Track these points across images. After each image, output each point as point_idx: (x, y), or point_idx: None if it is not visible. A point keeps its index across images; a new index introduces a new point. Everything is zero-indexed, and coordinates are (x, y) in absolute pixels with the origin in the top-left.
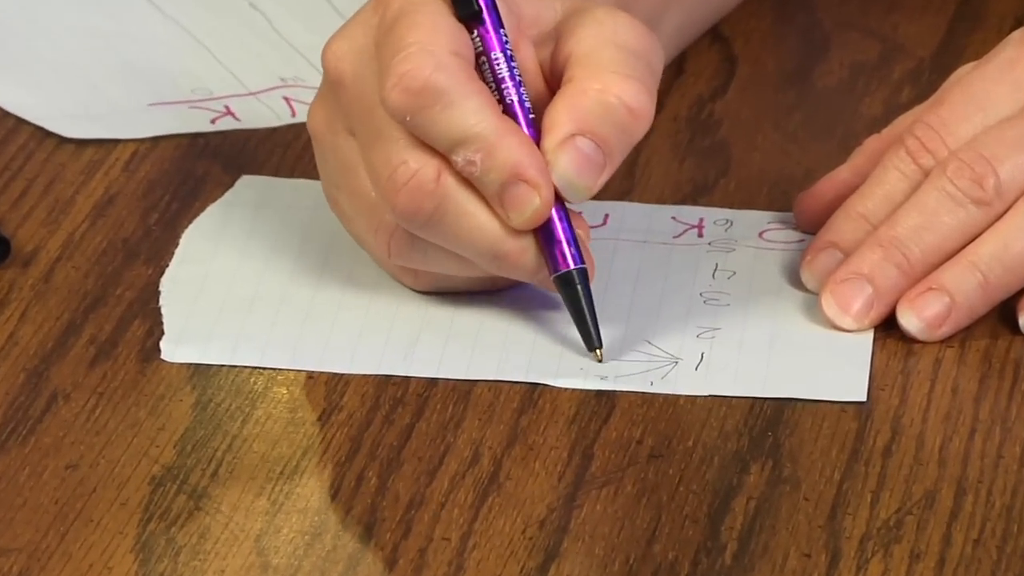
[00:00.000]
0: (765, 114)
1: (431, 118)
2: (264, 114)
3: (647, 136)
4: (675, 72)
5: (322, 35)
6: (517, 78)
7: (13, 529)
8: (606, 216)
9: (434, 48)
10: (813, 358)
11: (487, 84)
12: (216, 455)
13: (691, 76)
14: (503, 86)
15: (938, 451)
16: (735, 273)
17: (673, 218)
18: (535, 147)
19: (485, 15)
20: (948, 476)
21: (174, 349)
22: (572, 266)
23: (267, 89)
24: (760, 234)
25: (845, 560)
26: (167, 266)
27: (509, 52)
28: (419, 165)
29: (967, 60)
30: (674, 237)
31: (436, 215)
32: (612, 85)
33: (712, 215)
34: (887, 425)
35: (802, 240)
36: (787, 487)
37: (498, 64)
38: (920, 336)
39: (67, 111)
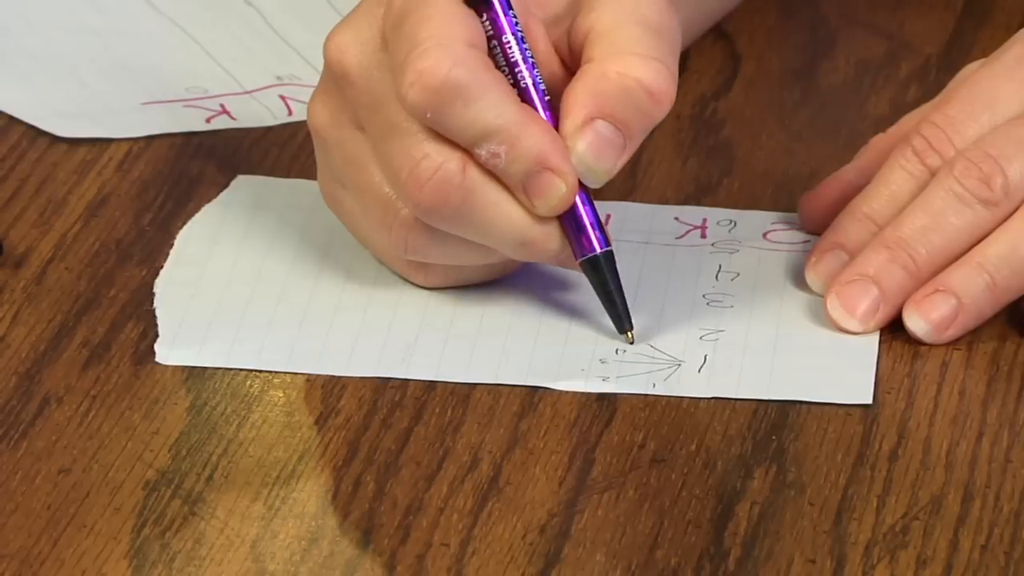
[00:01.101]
0: (769, 112)
1: (453, 114)
2: (260, 113)
3: (648, 135)
4: (678, 70)
5: (319, 33)
6: (530, 60)
7: (5, 535)
8: (608, 216)
9: (449, 42)
10: (818, 360)
11: (500, 68)
12: (211, 459)
13: (694, 74)
14: (516, 70)
15: (945, 455)
16: (739, 274)
17: (676, 219)
18: (557, 134)
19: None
20: (955, 481)
21: (168, 352)
22: (598, 250)
23: (263, 88)
24: (764, 235)
25: (851, 566)
26: (161, 267)
27: (520, 35)
28: (443, 159)
29: (975, 57)
30: (677, 238)
31: (463, 208)
32: (632, 67)
33: (715, 215)
34: (893, 429)
35: (807, 241)
36: (792, 492)
37: (510, 48)
38: (927, 339)
39: (59, 110)
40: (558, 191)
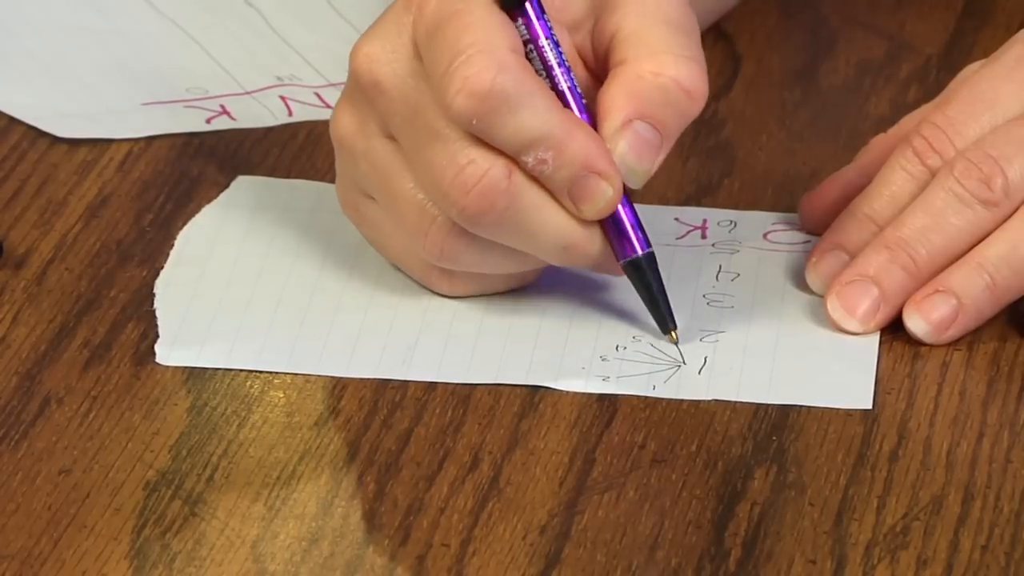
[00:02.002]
0: (770, 113)
1: (499, 121)
2: (260, 114)
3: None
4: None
5: (319, 33)
6: (566, 64)
7: (5, 535)
8: None
9: (493, 49)
10: (818, 363)
11: (537, 73)
12: (212, 460)
13: None
14: (553, 73)
15: (945, 455)
16: (739, 275)
17: (676, 219)
18: (600, 138)
19: (528, 4)
20: (956, 481)
21: (169, 352)
22: (640, 252)
23: (263, 88)
24: (764, 235)
25: (851, 566)
26: (162, 268)
27: (555, 39)
28: (488, 164)
29: (975, 58)
30: (677, 238)
31: (508, 213)
32: (667, 67)
33: (716, 216)
34: (894, 429)
35: (807, 241)
36: (792, 492)
37: (546, 52)
38: (927, 339)
39: (60, 110)
40: (605, 195)
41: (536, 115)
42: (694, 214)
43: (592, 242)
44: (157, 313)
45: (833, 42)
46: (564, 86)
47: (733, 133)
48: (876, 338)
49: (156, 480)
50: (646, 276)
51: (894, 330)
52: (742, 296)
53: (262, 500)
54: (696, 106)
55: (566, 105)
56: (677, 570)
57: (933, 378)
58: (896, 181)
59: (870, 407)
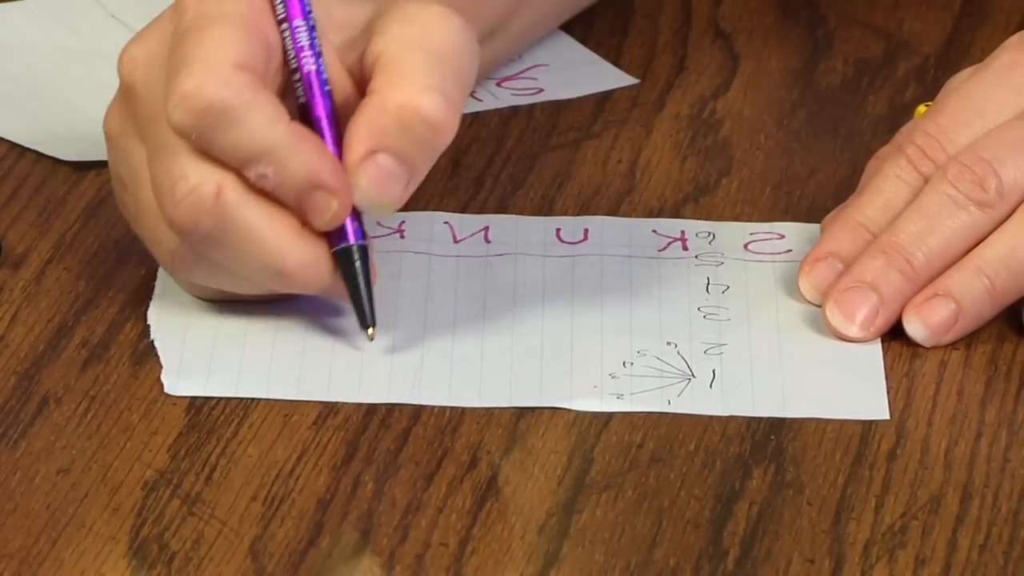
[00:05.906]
0: (768, 112)
1: (217, 137)
2: None
3: (648, 134)
4: (676, 70)
5: None
6: (317, 49)
7: (4, 535)
8: (586, 231)
9: (217, 63)
10: (827, 374)
11: (288, 60)
12: (210, 459)
13: (693, 74)
14: (302, 54)
15: (944, 455)
16: (729, 287)
17: (654, 231)
18: (328, 152)
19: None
20: (954, 480)
21: (176, 383)
22: (352, 241)
23: None
24: (745, 246)
25: (849, 566)
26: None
27: (312, 23)
28: (198, 180)
29: (973, 57)
30: (659, 251)
31: (215, 232)
32: (412, 98)
33: (693, 228)
34: (892, 428)
35: (788, 251)
36: (790, 491)
37: (299, 31)
38: (926, 343)
39: (56, 132)
40: (329, 208)
41: (255, 130)
42: (671, 226)
43: (306, 270)
44: (156, 344)
45: (831, 41)
46: (310, 68)
47: (731, 132)
48: (879, 345)
49: (155, 479)
50: (354, 268)
51: (892, 331)
52: (736, 308)
53: (260, 499)
54: (442, 139)
55: (308, 88)
56: (675, 569)
57: (931, 378)
58: (889, 189)
59: (888, 417)
